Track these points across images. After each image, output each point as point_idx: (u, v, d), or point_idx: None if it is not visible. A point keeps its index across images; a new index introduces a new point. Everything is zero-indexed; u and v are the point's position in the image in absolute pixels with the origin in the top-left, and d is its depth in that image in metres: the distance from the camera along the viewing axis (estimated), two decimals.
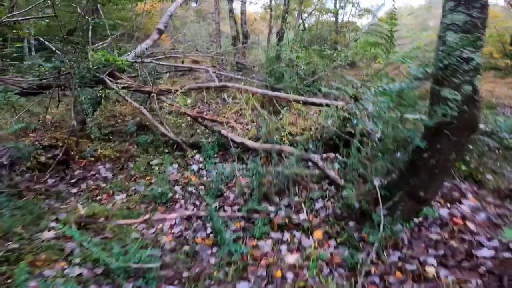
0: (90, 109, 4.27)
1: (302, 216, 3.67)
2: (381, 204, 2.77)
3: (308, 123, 6.20)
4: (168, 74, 9.85)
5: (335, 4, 15.13)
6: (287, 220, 3.53)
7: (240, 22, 12.84)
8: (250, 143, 4.70)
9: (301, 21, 12.69)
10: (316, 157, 4.23)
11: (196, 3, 20.67)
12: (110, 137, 5.94)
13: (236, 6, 15.20)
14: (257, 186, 3.86)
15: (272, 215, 3.68)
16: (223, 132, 4.95)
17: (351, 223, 3.32)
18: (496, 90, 11.53)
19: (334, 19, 15.23)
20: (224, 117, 6.36)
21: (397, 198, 2.70)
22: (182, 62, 10.90)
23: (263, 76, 6.20)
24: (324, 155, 4.36)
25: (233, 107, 5.66)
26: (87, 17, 5.28)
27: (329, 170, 4.21)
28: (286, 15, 10.67)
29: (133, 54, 5.73)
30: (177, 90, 5.12)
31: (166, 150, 5.49)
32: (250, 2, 15.50)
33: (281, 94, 5.07)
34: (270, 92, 5.09)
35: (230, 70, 9.92)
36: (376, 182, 3.07)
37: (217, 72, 5.91)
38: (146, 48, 5.88)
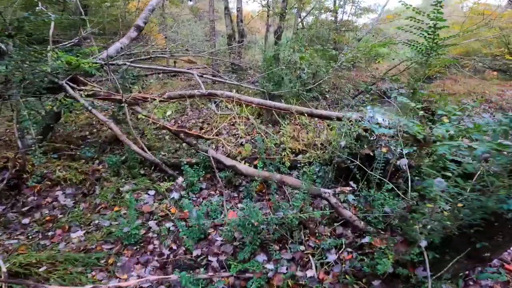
0: (33, 127, 3.16)
1: (310, 273, 2.69)
2: (428, 269, 2.06)
3: (311, 135, 5.14)
4: (156, 76, 8.74)
5: (335, 2, 14.00)
6: (289, 281, 2.55)
7: (236, 20, 11.68)
8: (244, 168, 3.65)
9: (300, 19, 11.56)
10: (327, 192, 3.18)
11: (191, 0, 19.44)
12: (78, 152, 4.87)
13: (233, 5, 14.09)
14: (251, 232, 2.81)
15: (270, 273, 2.67)
16: (211, 153, 3.88)
17: (376, 283, 2.45)
18: (506, 93, 10.56)
19: (334, 18, 14.08)
20: (213, 129, 5.27)
21: (449, 258, 2.05)
22: (175, 63, 9.78)
23: (260, 81, 5.12)
24: (338, 189, 3.30)
25: (224, 118, 4.58)
26: (44, 9, 4.14)
27: (344, 209, 3.17)
28: (285, 12, 9.56)
29: (105, 55, 4.61)
30: (154, 99, 4.03)
31: (143, 171, 4.43)
32: (247, 0, 14.44)
33: (282, 105, 3.99)
34: (268, 102, 4.01)
35: (223, 72, 8.80)
36: (423, 243, 2.08)
37: (205, 76, 4.82)
38: (122, 48, 4.76)
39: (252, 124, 4.48)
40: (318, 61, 7.00)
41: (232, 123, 5.44)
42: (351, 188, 3.40)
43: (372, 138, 3.82)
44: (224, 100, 4.05)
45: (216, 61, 9.02)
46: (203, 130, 5.64)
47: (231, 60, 8.62)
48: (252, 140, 4.91)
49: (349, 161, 3.66)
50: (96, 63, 4.43)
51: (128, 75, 4.45)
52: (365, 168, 3.77)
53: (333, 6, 13.81)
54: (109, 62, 4.31)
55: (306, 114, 3.92)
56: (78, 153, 4.86)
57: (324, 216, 3.15)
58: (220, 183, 3.79)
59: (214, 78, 4.55)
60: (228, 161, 3.81)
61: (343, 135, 3.61)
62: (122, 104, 3.87)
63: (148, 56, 6.17)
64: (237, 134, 5.25)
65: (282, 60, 6.30)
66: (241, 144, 4.84)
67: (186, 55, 7.48)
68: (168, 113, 3.97)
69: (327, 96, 6.44)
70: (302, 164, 4.39)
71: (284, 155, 3.96)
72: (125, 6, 12.57)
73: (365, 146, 3.78)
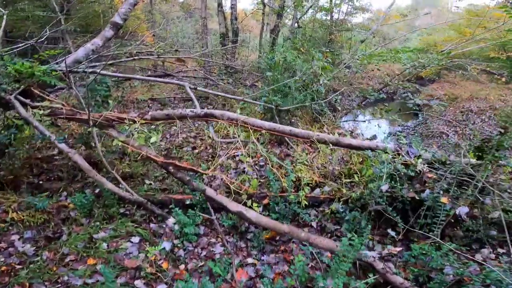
0: None
1: None
2: None
3: (324, 159, 4.16)
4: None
5: (330, 0, 12.97)
6: None
7: (230, 18, 10.53)
8: (254, 216, 2.65)
9: (297, 17, 10.48)
10: (372, 257, 2.20)
11: None
12: (40, 182, 3.76)
13: (225, 3, 12.88)
14: None
15: None
16: (209, 193, 2.86)
17: None
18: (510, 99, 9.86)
19: (329, 18, 13.05)
20: (209, 152, 4.21)
21: None
22: (163, 63, 8.57)
23: (261, 90, 4.04)
24: (385, 251, 2.34)
25: (226, 147, 3.53)
26: None
27: (394, 275, 2.21)
28: (283, 10, 8.53)
29: (72, 59, 3.48)
30: (133, 121, 2.95)
31: (123, 210, 3.36)
32: None
33: (299, 131, 2.99)
34: (281, 128, 2.98)
35: (218, 75, 7.70)
36: None
37: (199, 89, 3.72)
38: (94, 50, 3.62)
39: (255, 144, 3.48)
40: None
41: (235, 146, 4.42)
42: (400, 249, 2.46)
43: (415, 175, 2.88)
44: (225, 123, 3.01)
45: (208, 63, 7.89)
46: (196, 150, 4.57)
47: (226, 62, 7.51)
48: (257, 167, 3.89)
49: (390, 207, 2.71)
50: (57, 70, 3.30)
51: (101, 85, 3.34)
52: (410, 215, 2.85)
53: (328, 5, 12.79)
54: (74, 69, 3.18)
55: (331, 143, 2.93)
56: (41, 182, 3.76)
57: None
58: (222, 236, 2.78)
59: (211, 92, 3.53)
60: (233, 206, 2.79)
61: (384, 176, 2.65)
62: (90, 127, 2.78)
63: (131, 58, 5.02)
64: (237, 153, 4.22)
65: (286, 65, 5.28)
66: (243, 171, 3.81)
67: (175, 56, 6.33)
68: (153, 139, 2.90)
69: (339, 108, 5.46)
70: (321, 200, 3.43)
71: (302, 195, 2.97)
72: (111, 2, 11.21)
73: (407, 186, 2.83)
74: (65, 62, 3.06)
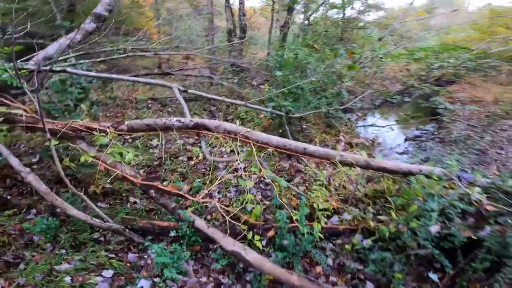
0: None
1: None
2: None
3: (341, 177, 3.41)
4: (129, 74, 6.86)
5: None
6: None
7: (238, 14, 9.80)
8: (255, 259, 1.94)
9: (308, 14, 9.67)
10: None
11: None
12: (9, 196, 3.18)
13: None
14: None
15: None
16: (199, 225, 2.18)
17: None
18: None
19: (342, 15, 12.14)
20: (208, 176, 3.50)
21: None
22: (168, 60, 7.91)
23: (270, 94, 3.29)
24: None
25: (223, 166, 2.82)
26: None
27: None
28: (294, 3, 7.76)
29: (42, 56, 2.83)
30: (105, 132, 2.28)
31: (97, 235, 2.74)
32: None
33: (317, 150, 2.26)
34: (294, 144, 2.26)
35: (223, 73, 7.00)
36: None
37: (191, 92, 3.01)
38: (69, 46, 2.97)
39: (258, 164, 2.77)
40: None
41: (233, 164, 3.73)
42: None
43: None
44: (221, 137, 2.31)
45: (214, 60, 7.18)
46: (193, 161, 3.89)
47: (231, 60, 6.80)
48: (262, 185, 3.18)
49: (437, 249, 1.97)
50: (25, 68, 2.66)
51: (74, 86, 2.68)
52: (458, 256, 2.11)
53: (341, 2, 11.89)
54: (41, 68, 2.53)
55: (358, 166, 2.20)
56: (9, 196, 3.17)
57: None
58: (215, 275, 2.10)
59: (204, 95, 2.84)
60: (229, 244, 2.10)
61: (434, 214, 1.92)
62: (48, 139, 2.12)
63: (125, 54, 4.36)
64: (237, 168, 3.50)
65: (297, 63, 4.54)
66: (242, 193, 3.10)
67: (175, 53, 5.66)
68: (129, 157, 2.23)
69: (359, 113, 4.68)
70: (339, 232, 2.70)
71: (316, 228, 2.26)
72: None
73: (463, 227, 2.07)
74: (58, 49, 2.41)
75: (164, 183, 3.69)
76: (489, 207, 2.22)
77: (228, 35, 9.42)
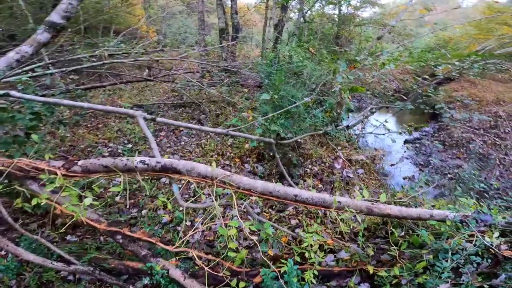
0: None
1: None
2: None
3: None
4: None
5: None
6: None
7: (230, 12, 9.22)
8: None
9: (303, 11, 9.10)
10: None
11: None
12: None
13: None
14: None
15: None
16: (174, 275, 1.75)
17: None
18: None
19: (338, 12, 11.53)
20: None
21: None
22: (149, 70, 7.26)
23: (257, 118, 2.77)
24: None
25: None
26: None
27: None
28: (287, 2, 7.22)
29: None
30: (54, 173, 1.82)
31: (64, 273, 2.31)
32: None
33: (311, 196, 1.80)
34: (281, 191, 1.79)
35: (212, 77, 6.47)
36: None
37: (160, 120, 2.47)
38: (19, 60, 2.47)
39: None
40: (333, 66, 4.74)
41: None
42: None
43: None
44: (195, 181, 1.85)
45: (203, 63, 6.64)
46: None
47: (220, 64, 6.27)
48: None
49: None
50: None
51: (27, 110, 2.20)
52: None
53: None
54: None
55: (357, 213, 1.75)
56: None
57: None
58: None
59: (174, 123, 2.33)
60: None
61: (446, 271, 1.48)
62: None
63: (101, 62, 3.85)
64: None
65: (291, 68, 4.05)
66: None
67: (160, 58, 5.15)
68: (87, 202, 1.78)
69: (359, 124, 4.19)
70: (335, 273, 2.27)
71: (308, 276, 1.83)
72: None
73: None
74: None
75: (144, 211, 3.25)
76: (506, 252, 1.79)
77: (220, 34, 8.86)
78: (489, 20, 11.16)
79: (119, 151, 4.27)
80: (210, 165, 1.92)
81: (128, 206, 3.26)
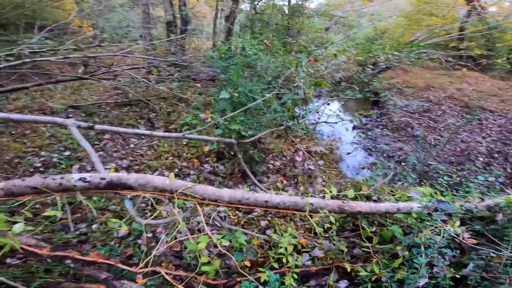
0: None
1: None
2: None
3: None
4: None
5: None
6: None
7: (178, 4, 8.53)
8: None
9: (257, 0, 8.81)
10: None
11: None
12: None
13: None
14: None
15: None
16: None
17: None
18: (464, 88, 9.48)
19: (287, 3, 11.48)
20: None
21: None
22: (85, 68, 6.34)
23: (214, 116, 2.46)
24: None
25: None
26: None
27: None
28: None
29: None
30: None
31: None
32: None
33: (283, 199, 1.60)
34: (251, 198, 1.57)
35: (159, 73, 5.90)
36: None
37: (97, 128, 2.02)
38: None
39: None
40: (287, 58, 4.62)
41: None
42: None
43: None
44: (151, 196, 1.53)
45: (151, 57, 6.02)
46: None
47: (170, 58, 5.73)
48: (217, 222, 2.46)
49: None
50: None
51: None
52: None
53: None
54: None
55: (330, 212, 1.61)
56: None
57: None
58: None
59: (120, 130, 1.95)
60: None
61: (422, 266, 1.42)
62: None
63: (20, 61, 3.14)
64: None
65: (246, 61, 3.80)
66: (199, 230, 2.35)
67: (95, 55, 4.48)
68: (18, 229, 1.34)
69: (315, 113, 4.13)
70: (312, 273, 2.14)
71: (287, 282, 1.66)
72: None
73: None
74: None
75: (94, 226, 2.75)
76: (470, 241, 1.83)
77: (167, 27, 8.17)
78: (418, 11, 12.14)
79: (54, 160, 3.60)
80: (168, 172, 1.61)
81: (74, 223, 2.75)
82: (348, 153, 4.32)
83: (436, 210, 1.95)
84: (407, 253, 1.63)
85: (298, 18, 10.78)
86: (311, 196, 2.36)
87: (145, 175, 1.65)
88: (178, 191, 1.58)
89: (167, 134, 2.26)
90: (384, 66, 5.26)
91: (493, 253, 1.72)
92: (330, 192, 1.86)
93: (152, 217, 1.89)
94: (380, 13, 13.81)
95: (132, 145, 4.05)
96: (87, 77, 4.51)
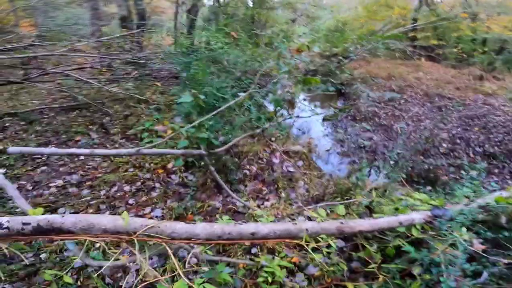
0: None
1: None
2: None
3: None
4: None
5: None
6: None
7: None
8: None
9: None
10: None
11: None
12: None
13: None
14: None
15: None
16: None
17: None
18: (422, 77, 9.80)
19: None
20: None
21: None
22: (24, 70, 5.47)
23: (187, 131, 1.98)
24: None
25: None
26: None
27: None
28: None
29: None
30: None
31: None
32: None
33: (273, 228, 1.21)
34: (234, 230, 1.15)
35: (113, 72, 5.18)
36: None
37: (10, 151, 1.49)
38: None
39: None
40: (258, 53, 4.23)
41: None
42: None
43: None
44: (101, 241, 1.07)
45: (101, 55, 5.23)
46: None
47: (125, 56, 5.02)
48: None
49: None
50: None
51: None
52: None
53: None
54: None
55: (329, 236, 1.27)
56: None
57: None
58: None
59: (41, 151, 1.46)
60: None
61: None
62: None
63: None
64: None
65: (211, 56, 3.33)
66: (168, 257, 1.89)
67: (28, 55, 3.72)
68: None
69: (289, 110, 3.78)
70: None
71: None
72: None
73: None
74: None
75: (43, 255, 2.17)
76: (478, 247, 1.61)
77: (121, 23, 7.30)
78: (375, 2, 12.35)
79: None
80: (128, 187, 1.14)
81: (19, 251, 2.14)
82: (327, 150, 4.08)
83: (435, 217, 1.70)
84: (427, 275, 1.35)
85: (262, 10, 10.40)
86: (298, 210, 2.01)
87: (87, 217, 1.18)
88: (139, 232, 1.14)
89: (113, 151, 1.76)
90: (354, 57, 5.10)
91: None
92: (319, 214, 1.52)
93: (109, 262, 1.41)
94: (339, 5, 13.92)
95: (82, 157, 3.40)
96: (18, 81, 3.72)
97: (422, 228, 1.68)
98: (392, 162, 3.21)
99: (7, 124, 4.03)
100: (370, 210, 2.28)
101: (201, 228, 1.22)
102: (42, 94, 4.96)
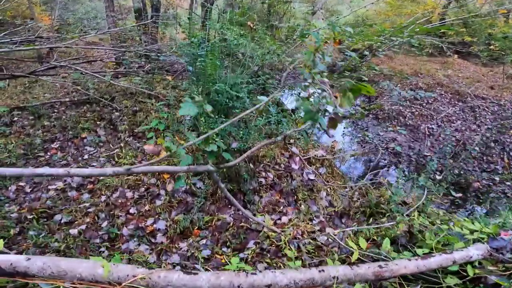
0: None
1: None
2: None
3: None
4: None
5: None
6: None
7: None
8: None
9: None
10: None
11: None
12: None
13: None
14: None
15: None
16: None
17: None
18: (452, 75, 9.03)
19: None
20: None
21: None
22: (40, 64, 5.34)
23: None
24: None
25: None
26: None
27: None
28: None
29: None
30: None
31: None
32: None
33: (292, 277, 0.85)
34: (244, 284, 0.81)
35: (127, 66, 4.90)
36: None
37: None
38: None
39: None
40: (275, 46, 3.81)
41: None
42: None
43: None
44: None
45: (117, 48, 4.98)
46: None
47: (137, 49, 4.73)
48: None
49: None
50: None
51: None
52: None
53: None
54: None
55: (369, 280, 0.89)
56: None
57: None
58: None
59: (13, 172, 1.21)
60: None
61: None
62: None
63: None
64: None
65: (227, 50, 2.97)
66: None
67: (41, 47, 3.49)
68: None
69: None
70: None
71: None
72: None
73: None
74: None
75: None
76: None
77: (137, 16, 7.04)
78: None
79: None
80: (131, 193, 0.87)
81: None
82: (352, 156, 3.65)
83: (494, 249, 1.30)
84: None
85: (278, 3, 9.88)
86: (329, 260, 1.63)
87: (58, 261, 0.87)
88: (124, 284, 0.82)
89: (97, 170, 1.44)
90: (383, 53, 4.60)
91: None
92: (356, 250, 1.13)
93: None
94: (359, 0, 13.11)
95: (86, 156, 3.15)
96: (26, 75, 3.51)
97: (479, 263, 1.28)
98: (429, 171, 2.76)
99: (15, 119, 3.86)
100: (410, 234, 1.87)
101: (204, 279, 0.87)
102: (56, 88, 4.78)
